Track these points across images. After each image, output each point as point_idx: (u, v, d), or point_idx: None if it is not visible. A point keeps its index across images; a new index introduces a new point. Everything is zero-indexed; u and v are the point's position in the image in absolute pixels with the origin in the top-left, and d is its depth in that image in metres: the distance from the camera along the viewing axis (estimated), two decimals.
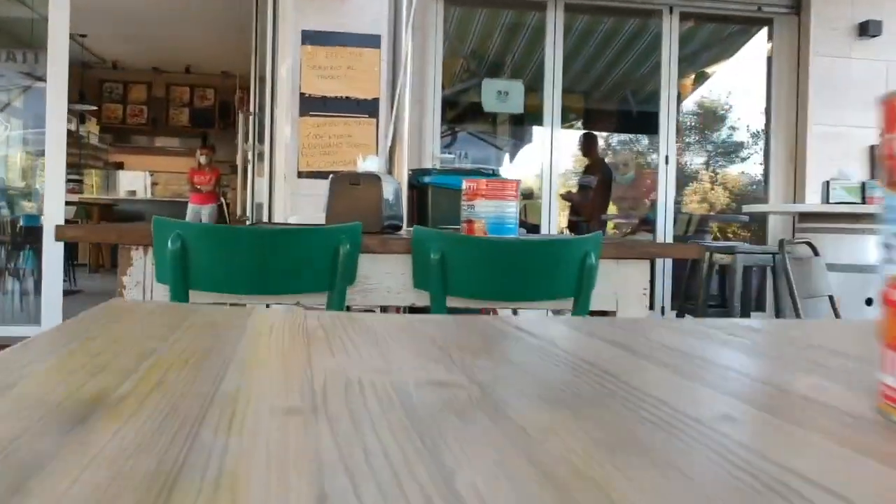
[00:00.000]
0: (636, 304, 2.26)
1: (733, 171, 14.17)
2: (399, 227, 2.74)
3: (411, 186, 4.92)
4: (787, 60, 6.59)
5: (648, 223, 7.26)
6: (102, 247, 10.79)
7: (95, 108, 11.69)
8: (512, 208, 2.57)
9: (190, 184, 11.67)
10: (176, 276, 1.97)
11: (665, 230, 6.67)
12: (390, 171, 4.85)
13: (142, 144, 13.83)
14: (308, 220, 4.43)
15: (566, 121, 10.05)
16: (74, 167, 12.98)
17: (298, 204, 4.63)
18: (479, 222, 2.56)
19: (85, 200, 10.64)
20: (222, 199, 11.36)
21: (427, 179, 5.02)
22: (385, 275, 2.20)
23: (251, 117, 6.19)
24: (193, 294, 2.01)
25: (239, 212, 6.06)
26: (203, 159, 11.78)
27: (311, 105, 4.63)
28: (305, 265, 2.03)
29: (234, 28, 9.09)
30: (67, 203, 10.39)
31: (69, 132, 13.62)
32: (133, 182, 12.33)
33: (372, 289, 2.19)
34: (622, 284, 2.26)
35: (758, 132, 13.13)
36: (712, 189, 14.01)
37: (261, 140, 5.75)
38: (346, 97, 4.66)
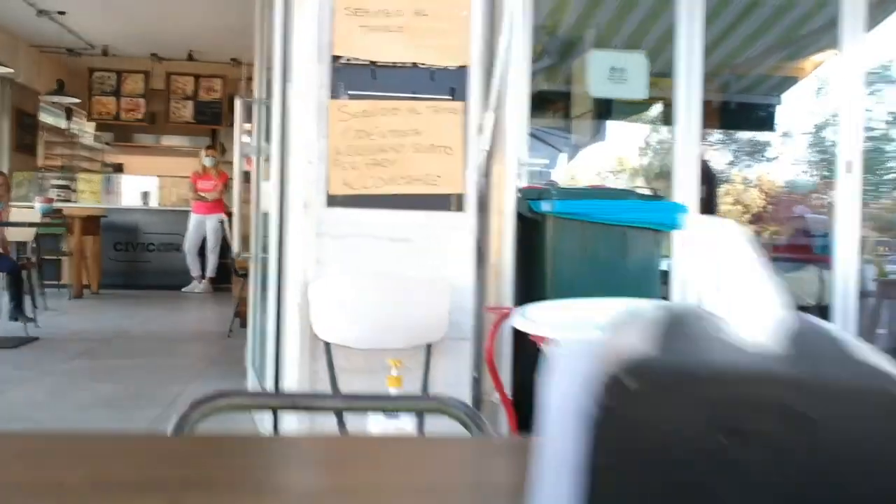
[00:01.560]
0: None
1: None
2: None
3: (520, 218, 2.83)
4: None
5: (802, 248, 5.18)
6: (88, 260, 8.77)
7: (77, 100, 9.64)
8: None
9: (192, 191, 9.66)
10: None
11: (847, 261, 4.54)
12: (485, 193, 2.77)
13: (145, 143, 11.81)
14: (344, 293, 2.39)
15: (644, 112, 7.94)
16: (67, 170, 10.99)
17: (328, 253, 2.56)
18: None
19: (66, 211, 8.60)
20: (227, 212, 9.32)
21: (546, 207, 2.93)
22: None
23: (255, 106, 4.12)
24: None
25: (235, 246, 3.99)
26: (208, 161, 9.73)
27: (351, 79, 2.56)
28: None
29: (243, 4, 7.05)
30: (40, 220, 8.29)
31: (56, 129, 11.62)
32: (138, 189, 10.29)
33: None
34: None
35: None
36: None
37: (269, 135, 3.69)
38: (413, 65, 2.59)
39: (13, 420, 3.68)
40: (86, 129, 11.86)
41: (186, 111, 10.79)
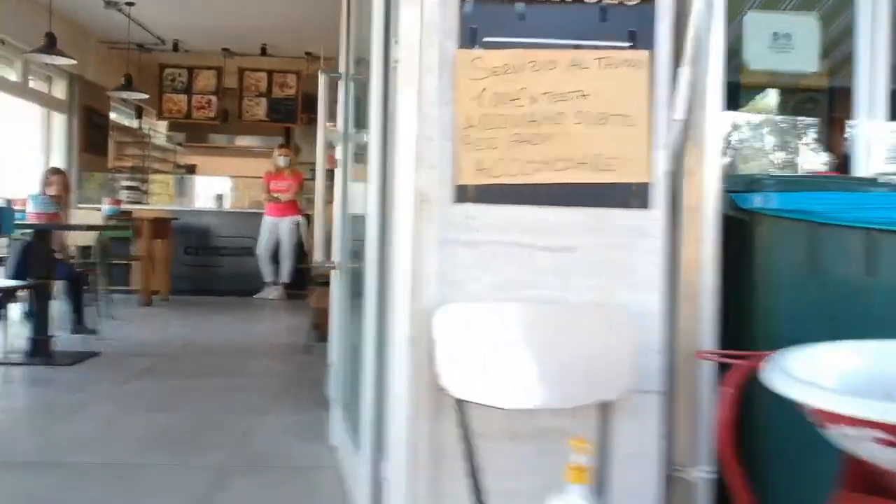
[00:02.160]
0: None
1: None
2: None
3: (727, 219, 1.96)
4: None
5: None
6: (157, 265, 8.25)
7: (146, 96, 9.13)
8: None
9: (265, 191, 9.04)
10: None
11: None
12: (676, 181, 1.94)
13: (218, 144, 11.34)
14: (481, 327, 1.64)
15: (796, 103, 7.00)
16: (138, 171, 10.56)
17: (457, 268, 1.78)
18: None
19: (135, 214, 8.07)
20: (302, 214, 8.65)
21: (758, 202, 2.03)
22: None
23: (341, 84, 3.37)
24: None
25: (317, 253, 3.22)
26: (282, 161, 9.09)
27: (488, 20, 1.79)
28: None
29: None
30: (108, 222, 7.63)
31: (127, 129, 11.19)
32: (210, 190, 9.79)
33: None
34: None
35: None
36: None
37: (360, 122, 2.96)
38: None
39: (55, 465, 3.01)
40: (158, 130, 11.43)
41: (259, 109, 10.22)
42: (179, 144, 11.84)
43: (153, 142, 11.54)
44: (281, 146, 9.08)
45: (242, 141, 11.29)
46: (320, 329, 5.59)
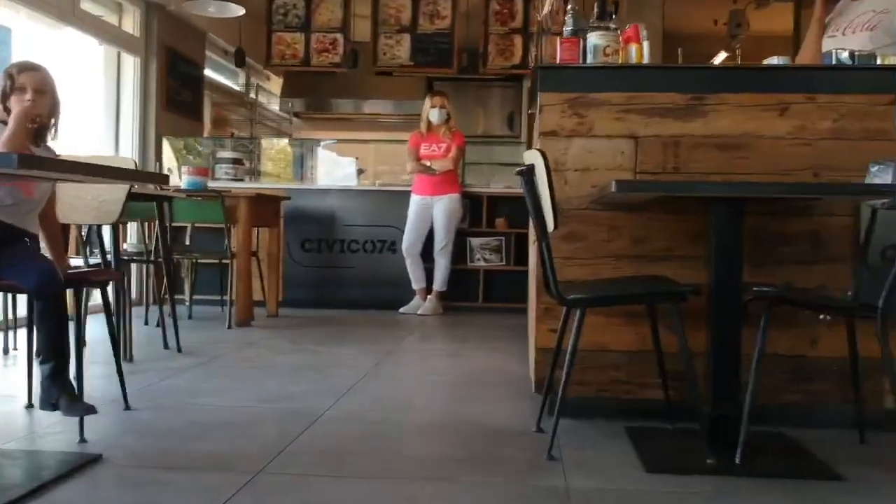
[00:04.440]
0: None
1: None
2: None
3: None
4: None
5: None
6: (262, 266, 5.45)
7: (242, 11, 6.18)
8: None
9: (413, 158, 6.07)
10: None
11: None
12: None
13: (343, 112, 8.50)
14: None
15: None
16: (239, 140, 7.78)
17: None
18: None
19: (227, 190, 5.23)
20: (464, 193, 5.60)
21: None
22: None
23: None
24: None
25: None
26: (435, 115, 6.02)
27: None
28: None
29: None
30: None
31: (230, 92, 8.29)
32: (335, 162, 6.92)
33: None
34: None
35: None
36: None
37: None
38: None
39: None
40: (269, 90, 8.67)
41: (401, 49, 7.24)
42: (296, 115, 9.04)
43: (262, 109, 8.81)
44: (434, 94, 6.06)
45: (373, 106, 8.39)
46: (563, 392, 2.50)
